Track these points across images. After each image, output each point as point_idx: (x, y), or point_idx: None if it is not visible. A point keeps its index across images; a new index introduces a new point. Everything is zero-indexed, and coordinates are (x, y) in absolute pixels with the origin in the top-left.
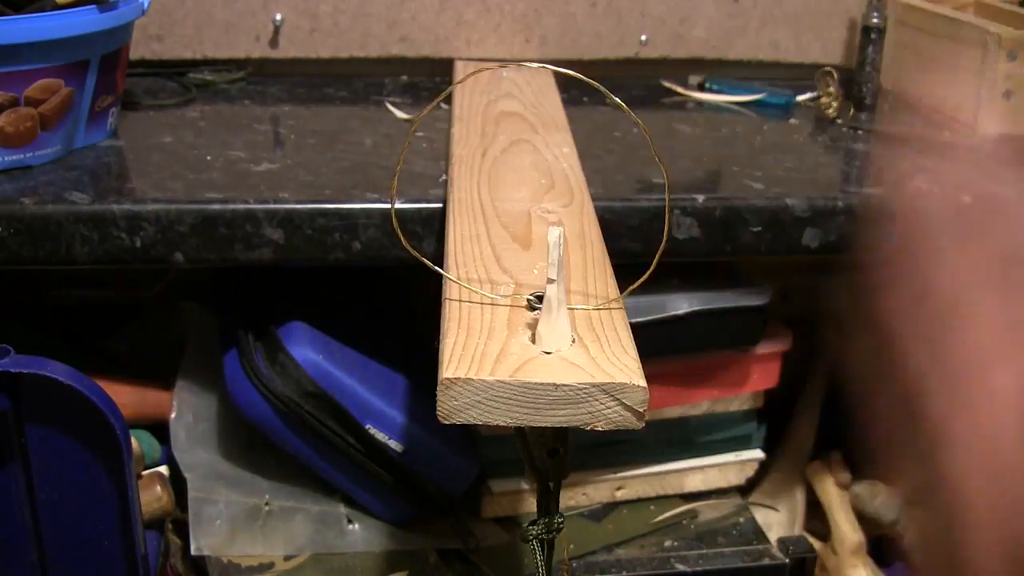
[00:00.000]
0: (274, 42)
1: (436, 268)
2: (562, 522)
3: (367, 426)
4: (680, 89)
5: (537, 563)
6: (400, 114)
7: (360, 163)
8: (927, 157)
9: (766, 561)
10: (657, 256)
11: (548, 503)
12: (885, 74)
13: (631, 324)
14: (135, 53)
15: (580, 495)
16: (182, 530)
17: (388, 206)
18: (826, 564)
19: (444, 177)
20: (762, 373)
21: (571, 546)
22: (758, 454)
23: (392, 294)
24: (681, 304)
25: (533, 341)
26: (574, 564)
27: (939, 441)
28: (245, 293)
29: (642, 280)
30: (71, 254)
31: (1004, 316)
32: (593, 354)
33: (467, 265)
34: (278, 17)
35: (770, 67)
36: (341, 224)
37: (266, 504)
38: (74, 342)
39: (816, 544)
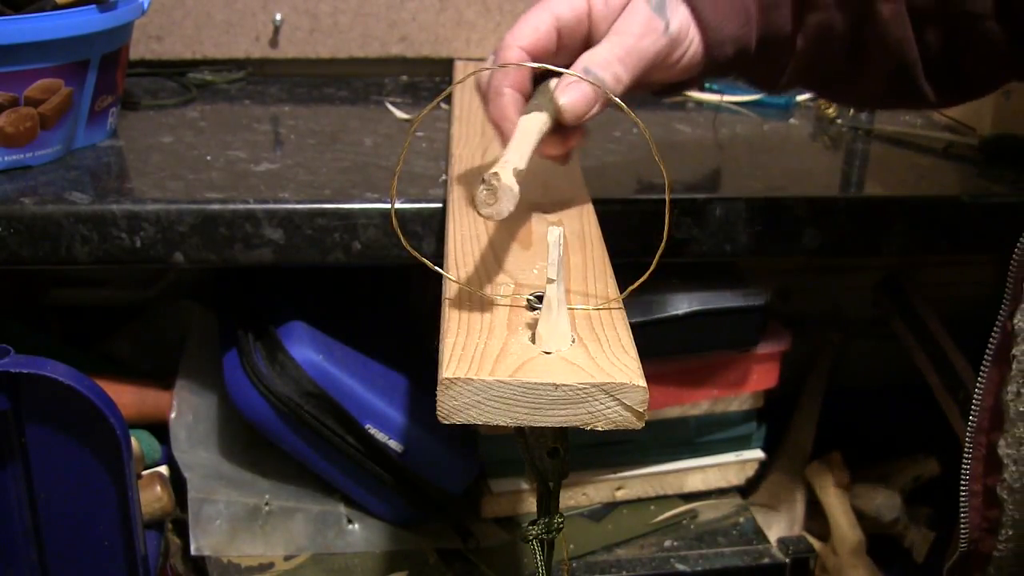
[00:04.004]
0: (274, 42)
1: (436, 268)
2: (562, 522)
3: (367, 426)
4: None
5: (537, 563)
6: (400, 114)
7: (360, 163)
8: None
9: (766, 561)
10: (657, 256)
11: (548, 503)
12: None
13: (631, 324)
14: (135, 53)
15: (580, 495)
16: (182, 530)
17: (388, 206)
18: (826, 564)
19: (444, 177)
20: (762, 373)
21: (571, 546)
22: (758, 454)
23: (392, 294)
24: (681, 304)
25: (533, 341)
26: (574, 564)
27: None
28: (245, 293)
29: (642, 280)
30: (71, 254)
31: None
32: (593, 354)
33: (467, 265)
34: (278, 17)
35: None
36: (341, 224)
37: (266, 504)
38: (74, 342)
39: (816, 544)
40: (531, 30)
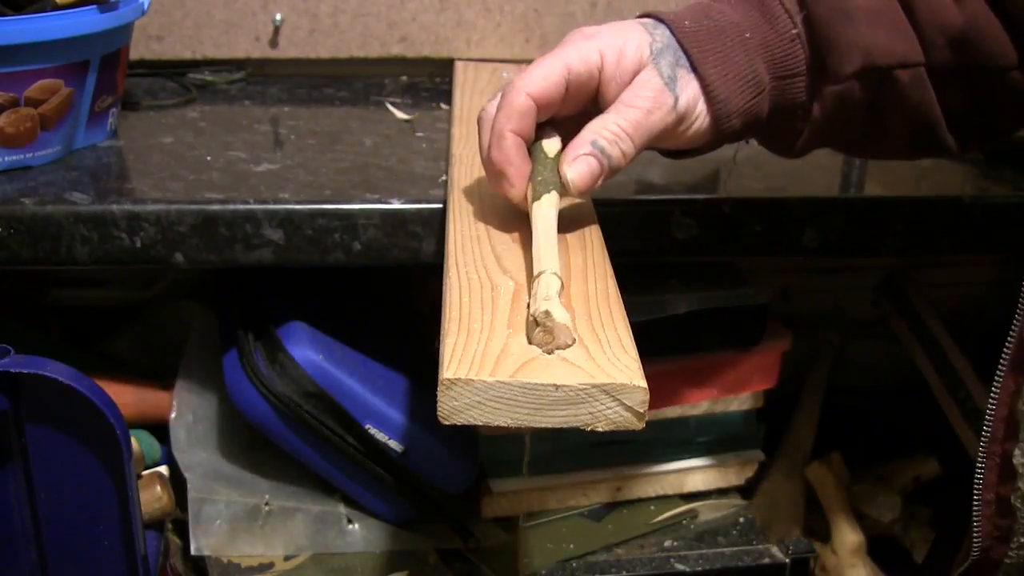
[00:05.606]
0: (274, 42)
1: None
2: None
3: (367, 426)
4: None
5: None
6: (400, 114)
7: (360, 163)
8: None
9: (766, 561)
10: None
11: None
12: None
13: (631, 324)
14: (135, 53)
15: (580, 495)
16: (182, 530)
17: (388, 206)
18: (826, 564)
19: (444, 177)
20: (762, 373)
21: (571, 546)
22: (758, 454)
23: (392, 294)
24: (681, 304)
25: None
26: (574, 564)
27: None
28: (245, 293)
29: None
30: (71, 254)
31: None
32: (593, 354)
33: (467, 265)
34: (278, 17)
35: None
36: (341, 224)
37: (266, 504)
38: (74, 342)
39: (816, 544)
40: (541, 78)
